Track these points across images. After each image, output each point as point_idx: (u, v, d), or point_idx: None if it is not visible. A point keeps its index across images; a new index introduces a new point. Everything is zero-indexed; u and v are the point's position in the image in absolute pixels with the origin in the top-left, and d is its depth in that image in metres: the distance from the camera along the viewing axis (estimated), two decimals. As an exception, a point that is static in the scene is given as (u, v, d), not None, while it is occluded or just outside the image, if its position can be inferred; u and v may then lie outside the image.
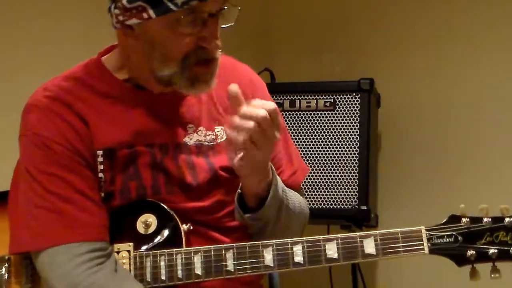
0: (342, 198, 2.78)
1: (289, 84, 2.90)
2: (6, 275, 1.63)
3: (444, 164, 3.03)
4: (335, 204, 2.79)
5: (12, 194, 1.63)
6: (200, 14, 1.53)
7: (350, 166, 2.78)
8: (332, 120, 2.81)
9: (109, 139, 1.61)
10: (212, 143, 1.69)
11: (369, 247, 1.56)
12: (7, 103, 2.35)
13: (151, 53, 1.58)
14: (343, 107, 2.81)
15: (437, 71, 3.06)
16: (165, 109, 1.67)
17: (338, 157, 2.79)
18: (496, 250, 1.56)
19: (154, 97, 1.65)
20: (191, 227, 1.62)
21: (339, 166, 2.79)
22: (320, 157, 2.81)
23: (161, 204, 1.62)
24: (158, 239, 1.60)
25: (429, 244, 1.56)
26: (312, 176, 2.79)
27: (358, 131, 2.78)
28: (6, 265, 1.64)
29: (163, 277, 1.57)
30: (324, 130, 2.82)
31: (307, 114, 2.84)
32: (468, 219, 1.58)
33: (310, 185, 2.79)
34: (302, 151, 2.79)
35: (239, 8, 1.59)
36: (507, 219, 1.57)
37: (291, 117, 2.84)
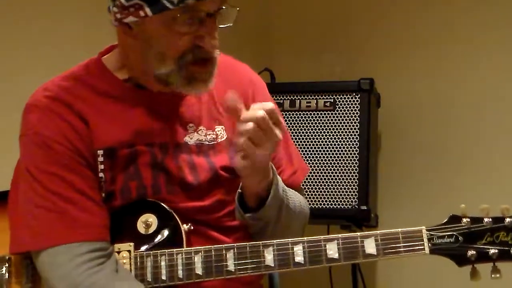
0: (342, 198, 2.78)
1: (289, 84, 2.90)
2: (7, 275, 1.63)
3: (444, 164, 3.03)
4: (335, 204, 2.79)
5: (13, 194, 1.63)
6: (197, 13, 1.53)
7: (350, 166, 2.78)
8: (332, 120, 2.81)
9: (109, 138, 1.61)
10: (212, 143, 1.69)
11: (370, 247, 1.56)
12: (7, 103, 2.35)
13: (148, 51, 1.58)
14: (343, 107, 2.81)
15: (437, 71, 3.06)
16: (166, 108, 1.67)
17: (338, 157, 2.79)
18: (496, 250, 1.56)
19: (154, 96, 1.65)
20: (192, 227, 1.62)
21: (339, 166, 2.79)
22: (320, 157, 2.81)
23: (162, 204, 1.62)
24: (158, 239, 1.60)
25: (429, 244, 1.56)
26: (312, 176, 2.79)
27: (358, 131, 2.78)
28: (7, 265, 1.64)
29: (163, 277, 1.57)
30: (324, 130, 2.82)
31: (307, 114, 2.84)
32: (469, 219, 1.58)
33: (310, 185, 2.79)
34: (302, 151, 2.79)
35: (237, 8, 1.59)
36: (507, 219, 1.57)
37: (291, 117, 2.84)
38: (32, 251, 1.58)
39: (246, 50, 2.86)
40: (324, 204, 2.79)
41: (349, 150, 2.78)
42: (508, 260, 1.57)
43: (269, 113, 1.54)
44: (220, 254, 1.58)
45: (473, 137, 2.98)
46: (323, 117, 2.82)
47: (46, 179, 1.56)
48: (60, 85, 1.64)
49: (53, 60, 2.44)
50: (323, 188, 2.80)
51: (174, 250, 1.58)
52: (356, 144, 2.78)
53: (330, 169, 2.79)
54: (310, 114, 2.84)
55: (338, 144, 2.80)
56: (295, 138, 2.80)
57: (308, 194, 2.77)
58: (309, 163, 2.74)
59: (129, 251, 1.59)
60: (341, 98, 2.81)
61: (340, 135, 2.80)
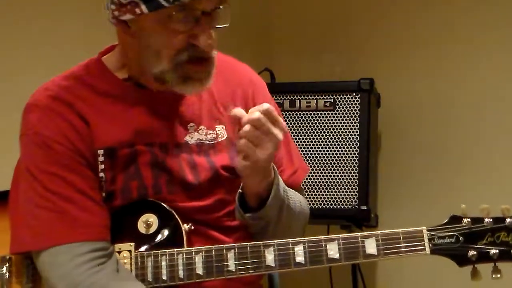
0: (342, 198, 2.78)
1: (289, 84, 2.90)
2: (7, 274, 1.63)
3: (444, 164, 3.03)
4: (335, 204, 2.79)
5: (13, 194, 1.63)
6: (193, 12, 1.53)
7: (350, 166, 2.78)
8: (332, 120, 2.81)
9: (109, 138, 1.61)
10: (213, 142, 1.69)
11: (371, 247, 1.56)
12: (7, 103, 2.35)
13: (145, 50, 1.58)
14: (343, 107, 2.81)
15: (437, 71, 3.06)
16: (166, 107, 1.67)
17: (338, 157, 2.79)
18: (497, 251, 1.56)
19: (155, 96, 1.65)
20: (192, 227, 1.62)
21: (339, 166, 2.79)
22: (320, 157, 2.81)
23: (162, 203, 1.62)
24: (159, 239, 1.60)
25: (430, 245, 1.56)
26: (312, 176, 2.79)
27: (358, 131, 2.78)
28: (7, 264, 1.63)
29: (164, 277, 1.57)
30: (324, 130, 2.82)
31: (307, 114, 2.84)
32: (470, 220, 1.58)
33: (310, 185, 2.79)
34: (302, 151, 2.79)
35: (230, 7, 1.59)
36: (508, 220, 1.57)
37: (291, 117, 2.84)
38: (32, 251, 1.58)
39: (246, 50, 2.86)
40: (324, 204, 2.79)
41: (349, 150, 2.78)
42: (509, 261, 1.57)
43: (266, 114, 1.54)
44: (221, 254, 1.58)
45: (473, 137, 2.98)
46: (323, 117, 2.82)
47: (47, 179, 1.56)
48: (61, 85, 1.64)
49: (53, 60, 2.44)
50: (323, 188, 2.80)
51: (175, 250, 1.58)
52: (356, 144, 2.78)
53: (330, 169, 2.79)
54: (310, 114, 2.84)
55: (338, 144, 2.80)
56: (295, 138, 2.80)
57: (308, 194, 2.77)
58: (309, 163, 2.74)
59: (129, 251, 1.59)
60: (341, 98, 2.81)
61: (340, 135, 2.80)
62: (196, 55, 1.57)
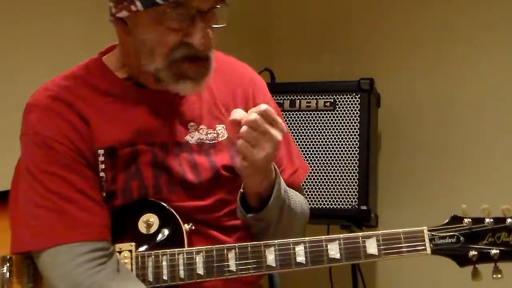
0: (342, 198, 2.78)
1: (289, 84, 2.90)
2: (8, 274, 1.63)
3: (444, 164, 3.03)
4: (335, 204, 2.79)
5: (13, 194, 1.63)
6: (188, 10, 1.53)
7: (350, 166, 2.78)
8: (332, 120, 2.81)
9: (110, 138, 1.61)
10: (213, 142, 1.69)
11: (371, 247, 1.56)
12: (7, 103, 2.35)
13: (140, 47, 1.58)
14: (343, 107, 2.81)
15: (437, 71, 3.06)
16: (166, 107, 1.67)
17: (338, 157, 2.79)
18: (498, 251, 1.56)
19: (155, 95, 1.65)
20: (193, 227, 1.62)
21: (339, 166, 2.79)
22: (320, 157, 2.81)
23: (163, 203, 1.62)
24: (160, 238, 1.60)
25: (431, 245, 1.56)
26: (312, 176, 2.79)
27: (358, 131, 2.78)
28: (8, 264, 1.63)
29: (165, 277, 1.57)
30: (324, 130, 2.82)
31: (307, 114, 2.84)
32: (470, 220, 1.58)
33: (310, 185, 2.79)
34: (302, 151, 2.79)
35: (232, 8, 1.59)
36: (508, 220, 1.57)
37: (291, 117, 2.84)
38: (33, 251, 1.58)
39: (246, 50, 2.86)
40: (324, 204, 2.79)
41: (349, 150, 2.78)
42: (510, 261, 1.56)
43: (263, 114, 1.54)
44: (221, 254, 1.58)
45: (473, 137, 2.98)
46: (323, 117, 2.82)
47: (47, 178, 1.56)
48: (61, 85, 1.64)
49: (53, 60, 2.44)
50: (323, 188, 2.80)
51: (176, 250, 1.58)
52: (356, 144, 2.78)
53: (330, 169, 2.79)
54: (310, 114, 2.84)
55: (338, 144, 2.80)
56: (295, 138, 2.80)
57: (308, 194, 2.77)
58: (309, 163, 2.74)
59: (130, 251, 1.59)
60: (341, 98, 2.81)
61: (340, 135, 2.80)
62: (191, 54, 1.56)
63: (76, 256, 1.52)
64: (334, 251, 1.57)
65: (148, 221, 1.61)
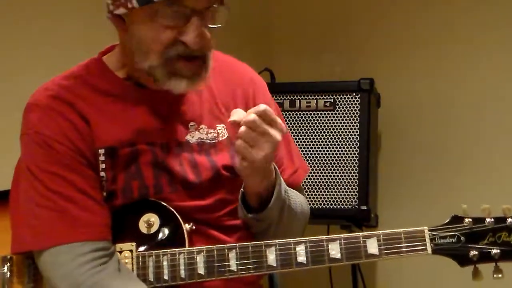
0: (342, 198, 2.78)
1: (289, 84, 2.90)
2: (8, 274, 1.63)
3: (444, 164, 3.03)
4: (335, 204, 2.79)
5: (13, 193, 1.62)
6: (182, 8, 1.53)
7: (350, 166, 2.77)
8: (332, 120, 2.81)
9: (110, 137, 1.61)
10: (214, 141, 1.69)
11: (372, 247, 1.56)
12: (7, 103, 2.35)
13: (136, 45, 1.58)
14: (343, 107, 2.81)
15: (437, 71, 3.06)
16: (166, 107, 1.67)
17: (338, 157, 2.79)
18: (498, 251, 1.56)
19: (155, 95, 1.65)
20: (194, 227, 1.62)
21: (339, 166, 2.79)
22: (320, 157, 2.81)
23: (164, 203, 1.62)
24: (160, 238, 1.60)
25: (432, 245, 1.56)
26: (312, 176, 2.79)
27: (358, 131, 2.78)
28: (8, 264, 1.63)
29: (165, 277, 1.57)
30: (324, 130, 2.82)
31: (307, 114, 2.84)
32: (471, 220, 1.58)
33: (310, 185, 2.79)
34: (302, 151, 2.79)
35: (228, 9, 1.59)
36: (509, 220, 1.57)
37: (291, 117, 2.84)
38: (33, 250, 1.58)
39: (246, 50, 2.85)
40: (324, 204, 2.79)
41: (349, 150, 2.78)
42: (510, 260, 1.56)
43: (262, 115, 1.54)
44: (222, 254, 1.58)
45: (473, 137, 2.98)
46: (323, 117, 2.82)
47: (47, 178, 1.55)
48: (61, 84, 1.64)
49: (53, 60, 2.44)
50: (323, 188, 2.80)
51: (176, 250, 1.58)
52: (356, 144, 2.78)
53: (330, 169, 2.79)
54: (310, 114, 2.84)
55: (338, 144, 2.80)
56: (295, 138, 2.80)
57: (308, 194, 2.77)
58: (309, 163, 2.74)
59: (131, 250, 1.59)
60: (341, 98, 2.81)
61: (340, 135, 2.80)
62: (186, 52, 1.56)
63: (77, 256, 1.52)
64: (334, 251, 1.57)
65: (149, 221, 1.60)
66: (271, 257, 1.57)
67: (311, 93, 2.84)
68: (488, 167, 2.94)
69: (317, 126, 2.82)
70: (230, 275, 1.58)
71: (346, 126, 2.79)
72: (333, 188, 2.79)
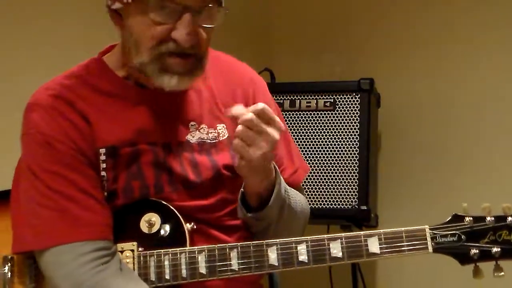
0: (342, 198, 2.78)
1: (289, 84, 2.90)
2: (9, 274, 1.62)
3: (444, 164, 3.03)
4: (335, 204, 2.79)
5: (14, 193, 1.62)
6: (174, 5, 1.53)
7: (350, 166, 2.78)
8: (332, 120, 2.81)
9: (111, 137, 1.61)
10: (214, 141, 1.69)
11: (373, 246, 1.56)
12: (7, 103, 2.35)
13: (129, 40, 1.59)
14: (343, 107, 2.81)
15: (437, 71, 3.06)
16: (167, 106, 1.67)
17: (338, 157, 2.79)
18: (499, 249, 1.56)
19: (156, 94, 1.65)
20: (195, 226, 1.62)
21: (339, 166, 2.79)
22: (320, 157, 2.81)
23: (165, 203, 1.62)
24: (161, 238, 1.60)
25: (433, 243, 1.56)
26: (312, 176, 2.79)
27: (358, 131, 2.78)
28: (9, 264, 1.63)
29: (167, 277, 1.57)
30: (324, 130, 2.82)
31: (307, 114, 2.84)
32: (471, 218, 1.58)
33: (310, 185, 2.79)
34: (302, 151, 2.79)
35: (227, 10, 1.59)
36: (509, 218, 1.58)
37: (291, 117, 2.84)
38: (35, 250, 1.58)
39: (246, 50, 2.86)
40: (324, 204, 2.79)
41: (349, 150, 2.78)
42: (511, 259, 1.57)
43: (260, 114, 1.54)
44: (223, 254, 1.58)
45: (473, 137, 2.98)
46: (323, 117, 2.82)
47: (48, 177, 1.55)
48: (62, 84, 1.64)
49: (53, 60, 2.44)
50: (323, 188, 2.80)
51: (178, 249, 1.58)
52: (356, 144, 2.78)
53: (330, 169, 2.79)
54: (310, 114, 2.84)
55: (338, 144, 2.80)
56: (295, 138, 2.81)
57: (308, 194, 2.77)
58: (309, 163, 2.73)
59: (132, 250, 1.59)
60: (341, 98, 2.81)
61: (340, 135, 2.80)
62: (177, 50, 1.56)
63: (79, 255, 1.52)
64: (336, 250, 1.57)
65: (150, 221, 1.60)
66: (273, 256, 1.57)
67: (311, 93, 2.84)
68: (488, 167, 2.95)
69: (317, 126, 2.82)
70: (231, 275, 1.58)
71: (346, 126, 2.79)
72: (333, 188, 2.79)
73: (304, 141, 2.83)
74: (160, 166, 1.63)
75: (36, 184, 1.56)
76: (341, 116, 2.80)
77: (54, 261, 1.53)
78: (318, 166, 2.80)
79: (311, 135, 2.82)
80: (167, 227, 1.61)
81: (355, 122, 2.79)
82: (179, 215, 1.61)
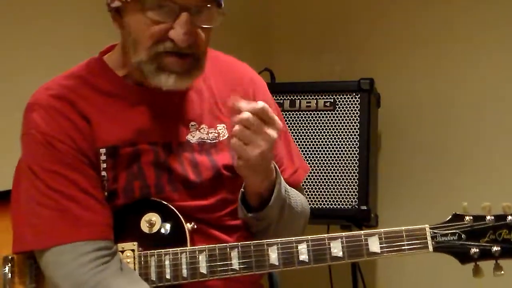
0: (342, 198, 2.78)
1: (289, 84, 2.90)
2: (10, 275, 1.62)
3: (444, 164, 3.04)
4: (335, 204, 2.79)
5: (14, 193, 1.62)
6: (171, 4, 1.53)
7: (350, 166, 2.78)
8: (332, 120, 2.81)
9: (111, 137, 1.61)
10: (214, 141, 1.69)
11: (374, 245, 1.56)
12: (7, 103, 2.35)
13: (128, 39, 1.59)
14: (343, 107, 2.81)
15: (437, 70, 3.06)
16: (167, 106, 1.67)
17: (338, 157, 2.79)
18: (499, 248, 1.56)
19: (156, 94, 1.64)
20: (195, 226, 1.62)
21: (339, 166, 2.79)
22: (320, 157, 2.81)
23: (165, 203, 1.62)
24: (162, 238, 1.60)
25: (433, 242, 1.57)
26: (312, 176, 2.79)
27: (358, 131, 2.78)
28: (9, 265, 1.63)
29: (168, 276, 1.57)
30: (324, 130, 2.82)
31: (307, 114, 2.84)
32: (472, 217, 1.58)
33: (310, 185, 2.79)
34: (302, 151, 2.79)
35: (224, 12, 1.59)
36: (509, 217, 1.58)
37: (291, 117, 2.84)
38: (35, 250, 1.58)
39: (246, 50, 2.86)
40: (324, 204, 2.79)
41: (349, 150, 2.78)
42: (511, 258, 1.57)
43: (258, 112, 1.53)
44: (224, 253, 1.58)
45: (473, 137, 2.98)
46: (323, 117, 2.82)
47: (49, 177, 1.55)
48: (62, 84, 1.64)
49: (53, 60, 2.44)
50: (323, 188, 2.80)
51: (178, 249, 1.58)
52: (356, 144, 2.78)
53: (330, 169, 2.80)
54: (310, 114, 2.84)
55: (338, 144, 2.80)
56: (295, 138, 2.81)
57: (308, 194, 2.77)
58: (309, 163, 2.73)
59: (133, 250, 1.59)
60: (341, 98, 2.81)
61: (340, 135, 2.80)
62: (174, 49, 1.56)
63: (79, 255, 1.52)
64: (336, 249, 1.57)
65: (150, 220, 1.60)
66: (273, 255, 1.57)
67: (311, 93, 2.84)
68: (488, 167, 2.95)
69: (317, 126, 2.82)
70: (232, 274, 1.57)
71: (346, 126, 2.79)
72: (333, 188, 2.79)
73: (304, 141, 2.83)
74: (161, 166, 1.63)
75: (37, 184, 1.55)
76: (341, 116, 2.80)
77: (55, 261, 1.53)
78: (318, 166, 2.80)
79: (311, 135, 2.83)
80: (167, 227, 1.61)
81: (355, 122, 2.79)
82: (179, 215, 1.61)
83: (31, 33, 2.49)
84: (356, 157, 2.78)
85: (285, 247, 1.57)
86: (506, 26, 2.89)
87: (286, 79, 3.00)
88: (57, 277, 1.53)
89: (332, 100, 2.81)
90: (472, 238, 1.57)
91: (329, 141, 2.81)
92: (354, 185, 2.77)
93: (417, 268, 3.00)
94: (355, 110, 2.79)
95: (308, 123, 2.83)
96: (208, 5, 1.56)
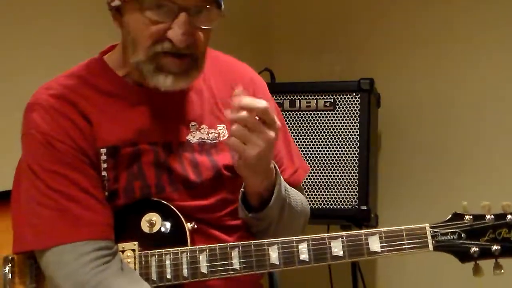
0: (342, 198, 2.78)
1: (289, 84, 2.90)
2: (10, 275, 1.62)
3: (444, 164, 3.04)
4: (335, 204, 2.79)
5: (15, 193, 1.62)
6: (170, 4, 1.53)
7: (350, 166, 2.78)
8: (332, 120, 2.81)
9: (112, 137, 1.61)
10: (214, 141, 1.69)
11: (374, 244, 1.56)
12: (7, 103, 2.35)
13: (128, 39, 1.59)
14: (343, 107, 2.81)
15: (437, 70, 3.06)
16: (168, 106, 1.67)
17: (338, 157, 2.79)
18: (499, 247, 1.57)
19: (156, 94, 1.64)
20: (196, 226, 1.62)
21: (339, 166, 2.79)
22: (320, 157, 2.81)
23: (165, 203, 1.61)
24: (162, 237, 1.60)
25: (433, 241, 1.57)
26: (312, 176, 2.79)
27: (358, 131, 2.78)
28: (10, 265, 1.63)
29: (168, 276, 1.57)
30: (324, 130, 2.82)
31: (307, 114, 2.84)
32: (471, 217, 1.58)
33: (310, 185, 2.79)
34: (302, 151, 2.80)
35: (223, 13, 1.59)
36: (509, 216, 1.58)
37: (291, 117, 2.84)
38: (35, 250, 1.58)
39: (246, 50, 2.86)
40: (324, 204, 2.79)
41: (349, 150, 2.78)
42: (510, 257, 1.57)
43: (260, 112, 1.53)
44: (225, 253, 1.58)
45: (473, 137, 2.98)
46: (323, 117, 2.82)
47: (49, 177, 1.55)
48: (63, 84, 1.64)
49: (53, 60, 2.44)
50: (323, 188, 2.80)
51: (179, 249, 1.58)
52: (356, 144, 2.78)
53: (330, 169, 2.80)
54: (310, 114, 2.84)
55: (338, 144, 2.80)
56: (295, 138, 2.81)
57: (308, 194, 2.77)
58: (309, 163, 2.73)
59: (133, 250, 1.59)
60: (341, 98, 2.81)
61: (340, 135, 2.80)
62: (173, 49, 1.55)
63: (80, 255, 1.52)
64: (337, 248, 1.57)
65: (151, 220, 1.60)
66: (274, 255, 1.57)
67: (311, 93, 2.84)
68: (488, 167, 2.95)
69: (317, 126, 2.82)
70: (233, 274, 1.57)
71: (346, 126, 2.79)
72: (333, 188, 2.79)
73: (304, 141, 2.83)
74: (161, 166, 1.63)
75: (37, 184, 1.55)
76: (341, 116, 2.80)
77: (55, 261, 1.53)
78: (318, 166, 2.80)
79: (311, 135, 2.83)
80: (168, 227, 1.61)
81: (355, 122, 2.79)
82: (180, 215, 1.61)
83: (31, 33, 2.49)
84: (356, 157, 2.78)
85: (286, 246, 1.57)
86: (506, 26, 2.89)
87: (286, 79, 3.00)
88: (57, 277, 1.53)
89: (332, 100, 2.82)
90: (472, 237, 1.58)
91: (329, 141, 2.81)
92: (354, 185, 2.77)
93: (417, 267, 3.00)
94: (355, 110, 2.79)
95: (308, 123, 2.83)
96: (208, 6, 1.56)
